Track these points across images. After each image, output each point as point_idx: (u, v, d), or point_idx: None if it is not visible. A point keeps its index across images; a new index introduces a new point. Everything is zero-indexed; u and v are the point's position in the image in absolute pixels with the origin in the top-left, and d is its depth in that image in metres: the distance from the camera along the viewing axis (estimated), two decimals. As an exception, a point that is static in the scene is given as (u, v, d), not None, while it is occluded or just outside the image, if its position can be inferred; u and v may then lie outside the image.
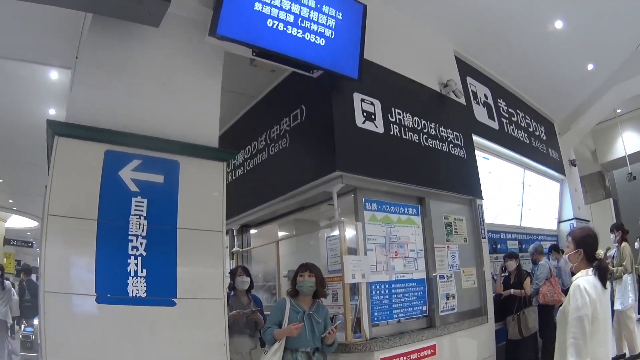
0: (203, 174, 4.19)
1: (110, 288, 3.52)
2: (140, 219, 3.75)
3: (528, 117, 9.34)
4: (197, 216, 4.04)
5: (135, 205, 3.77)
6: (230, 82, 6.08)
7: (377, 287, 5.00)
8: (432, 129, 6.03)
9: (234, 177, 7.23)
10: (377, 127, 5.32)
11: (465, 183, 6.42)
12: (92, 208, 3.60)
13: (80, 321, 3.39)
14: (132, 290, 3.59)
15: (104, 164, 3.73)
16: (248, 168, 6.72)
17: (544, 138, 9.85)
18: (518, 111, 8.94)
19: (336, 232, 4.99)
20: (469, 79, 7.56)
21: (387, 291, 5.08)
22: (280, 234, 7.30)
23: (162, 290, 3.72)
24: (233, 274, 5.20)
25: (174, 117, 4.18)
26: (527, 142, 8.95)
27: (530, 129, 9.26)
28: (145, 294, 3.62)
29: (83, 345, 3.33)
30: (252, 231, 7.55)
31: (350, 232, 4.98)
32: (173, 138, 4.04)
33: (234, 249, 7.09)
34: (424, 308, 5.48)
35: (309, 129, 5.44)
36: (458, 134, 6.51)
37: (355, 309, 4.80)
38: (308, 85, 5.36)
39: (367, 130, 5.21)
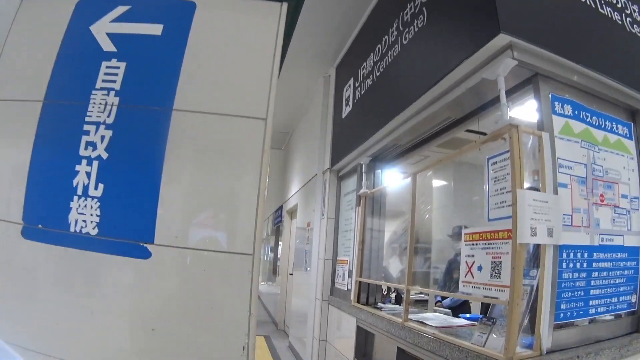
0: (237, 21, 2.39)
1: (44, 215, 2.08)
2: (108, 95, 2.19)
3: None
4: (216, 91, 2.24)
5: (105, 73, 2.23)
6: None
7: (572, 255, 2.64)
8: (636, 13, 3.65)
9: (362, 93, 5.26)
10: (559, -16, 3.04)
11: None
12: (41, 84, 2.22)
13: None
14: (75, 222, 2.04)
15: (71, 19, 2.33)
16: (378, 74, 4.71)
17: None
18: None
19: (504, 151, 2.64)
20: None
21: (585, 264, 2.72)
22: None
23: (128, 226, 2.06)
24: None
25: None
26: None
27: None
28: (96, 230, 2.03)
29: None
30: (388, 170, 5.48)
31: (529, 150, 2.66)
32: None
33: (361, 191, 5.16)
34: (633, 299, 3.04)
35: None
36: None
37: (529, 294, 2.60)
38: None
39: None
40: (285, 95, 8.67)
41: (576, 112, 2.88)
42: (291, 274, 9.47)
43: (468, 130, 4.07)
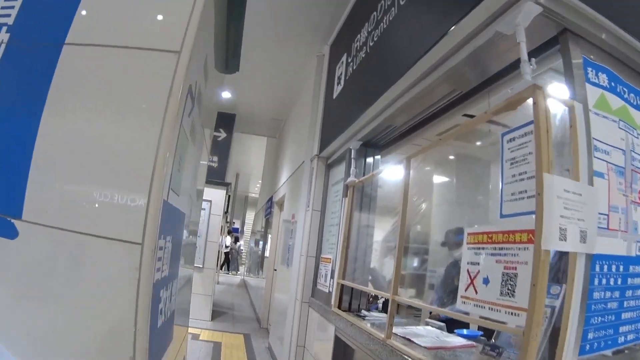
0: None
1: None
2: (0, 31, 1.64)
3: None
4: (119, 20, 1.60)
5: (2, 7, 1.71)
6: None
7: (605, 268, 1.95)
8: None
9: (354, 68, 4.57)
10: None
11: None
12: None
13: None
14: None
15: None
16: (371, 44, 4.02)
17: None
18: None
19: (526, 123, 1.95)
20: None
21: (619, 280, 2.10)
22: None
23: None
24: None
25: None
26: None
27: None
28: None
29: None
30: (381, 158, 4.80)
31: (557, 124, 1.98)
32: None
33: (349, 180, 4.46)
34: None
35: None
36: None
37: (548, 319, 2.01)
38: None
39: None
40: (278, 79, 8.06)
41: (612, 84, 2.22)
42: (275, 270, 8.85)
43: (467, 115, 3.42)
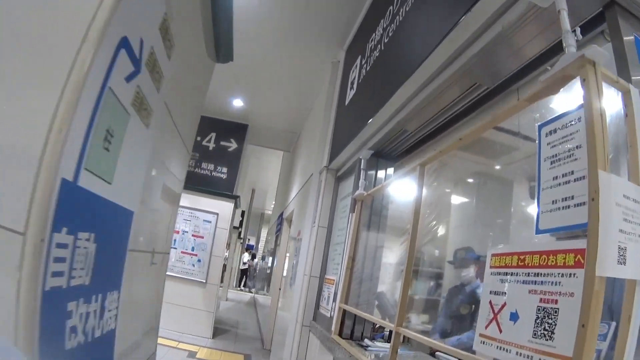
0: None
1: None
2: None
3: None
4: None
5: None
6: None
7: None
8: None
9: (367, 69, 4.16)
10: None
11: None
12: None
13: None
14: None
15: None
16: (386, 41, 3.62)
17: None
18: None
19: (573, 109, 1.45)
20: None
21: None
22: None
23: None
24: None
25: None
26: None
27: None
28: None
29: None
30: (394, 169, 4.32)
31: (609, 106, 1.43)
32: None
33: (357, 193, 4.01)
34: None
35: None
36: None
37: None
38: None
39: None
40: (292, 89, 7.73)
41: (667, 73, 1.78)
42: (279, 289, 8.40)
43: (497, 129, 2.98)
